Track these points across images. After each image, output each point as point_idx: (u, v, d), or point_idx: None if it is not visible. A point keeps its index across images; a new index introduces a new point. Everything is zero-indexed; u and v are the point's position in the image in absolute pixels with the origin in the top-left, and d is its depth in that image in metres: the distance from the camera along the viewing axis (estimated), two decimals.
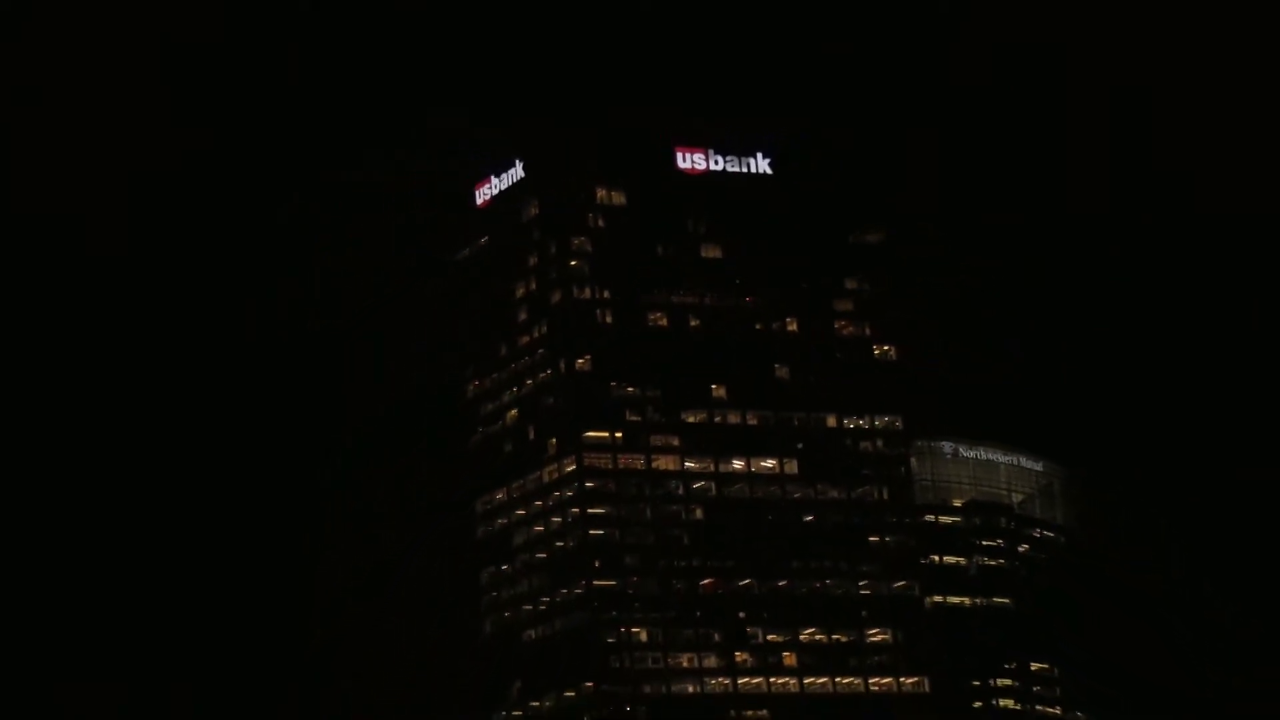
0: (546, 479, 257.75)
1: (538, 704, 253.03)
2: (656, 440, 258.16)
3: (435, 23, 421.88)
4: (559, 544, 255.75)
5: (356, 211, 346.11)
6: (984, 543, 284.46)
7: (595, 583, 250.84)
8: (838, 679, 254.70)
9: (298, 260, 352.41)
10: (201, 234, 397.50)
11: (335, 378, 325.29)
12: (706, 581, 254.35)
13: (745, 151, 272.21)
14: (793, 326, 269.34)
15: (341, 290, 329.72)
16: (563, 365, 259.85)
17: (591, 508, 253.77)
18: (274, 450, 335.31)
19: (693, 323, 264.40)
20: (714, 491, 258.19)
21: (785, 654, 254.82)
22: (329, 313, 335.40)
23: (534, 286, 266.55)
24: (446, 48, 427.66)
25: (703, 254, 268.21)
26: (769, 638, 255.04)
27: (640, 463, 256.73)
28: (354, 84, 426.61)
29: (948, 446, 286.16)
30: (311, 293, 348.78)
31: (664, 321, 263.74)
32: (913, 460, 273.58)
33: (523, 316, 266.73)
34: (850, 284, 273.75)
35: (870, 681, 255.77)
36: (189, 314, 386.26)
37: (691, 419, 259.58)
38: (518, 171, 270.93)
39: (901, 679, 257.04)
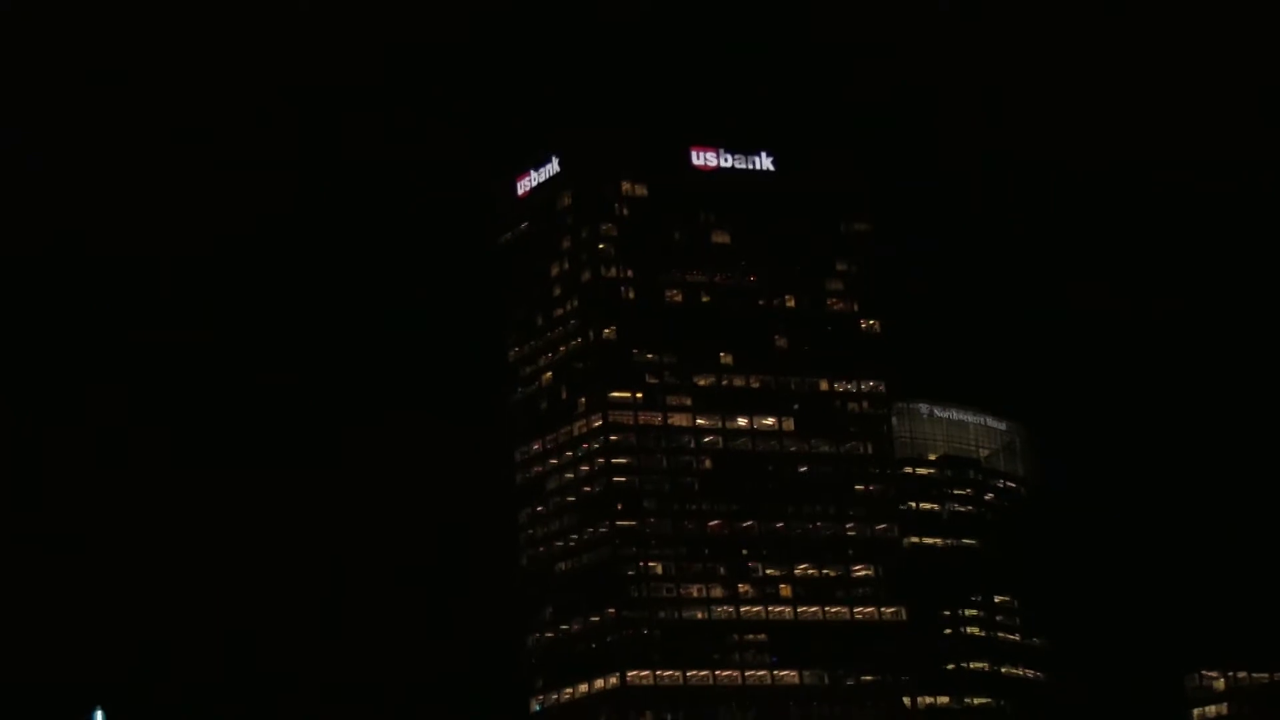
0: (576, 432, 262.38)
1: (567, 627, 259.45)
2: (672, 400, 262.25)
3: (482, 26, 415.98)
4: (586, 489, 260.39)
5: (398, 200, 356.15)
6: (955, 491, 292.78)
7: (618, 523, 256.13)
8: (827, 608, 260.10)
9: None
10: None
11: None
12: (714, 523, 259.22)
13: (751, 150, 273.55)
14: (790, 302, 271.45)
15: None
16: (591, 334, 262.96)
17: (615, 458, 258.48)
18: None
19: (704, 299, 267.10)
20: (721, 445, 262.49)
21: (782, 586, 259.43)
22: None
23: (567, 266, 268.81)
24: (485, 50, 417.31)
25: (713, 239, 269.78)
26: (767, 572, 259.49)
27: (658, 419, 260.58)
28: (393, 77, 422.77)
29: (924, 407, 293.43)
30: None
31: (679, 297, 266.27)
32: (893, 419, 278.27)
33: (557, 292, 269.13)
34: (840, 266, 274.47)
35: (855, 611, 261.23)
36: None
37: (702, 382, 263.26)
38: (554, 167, 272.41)
39: (882, 609, 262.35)
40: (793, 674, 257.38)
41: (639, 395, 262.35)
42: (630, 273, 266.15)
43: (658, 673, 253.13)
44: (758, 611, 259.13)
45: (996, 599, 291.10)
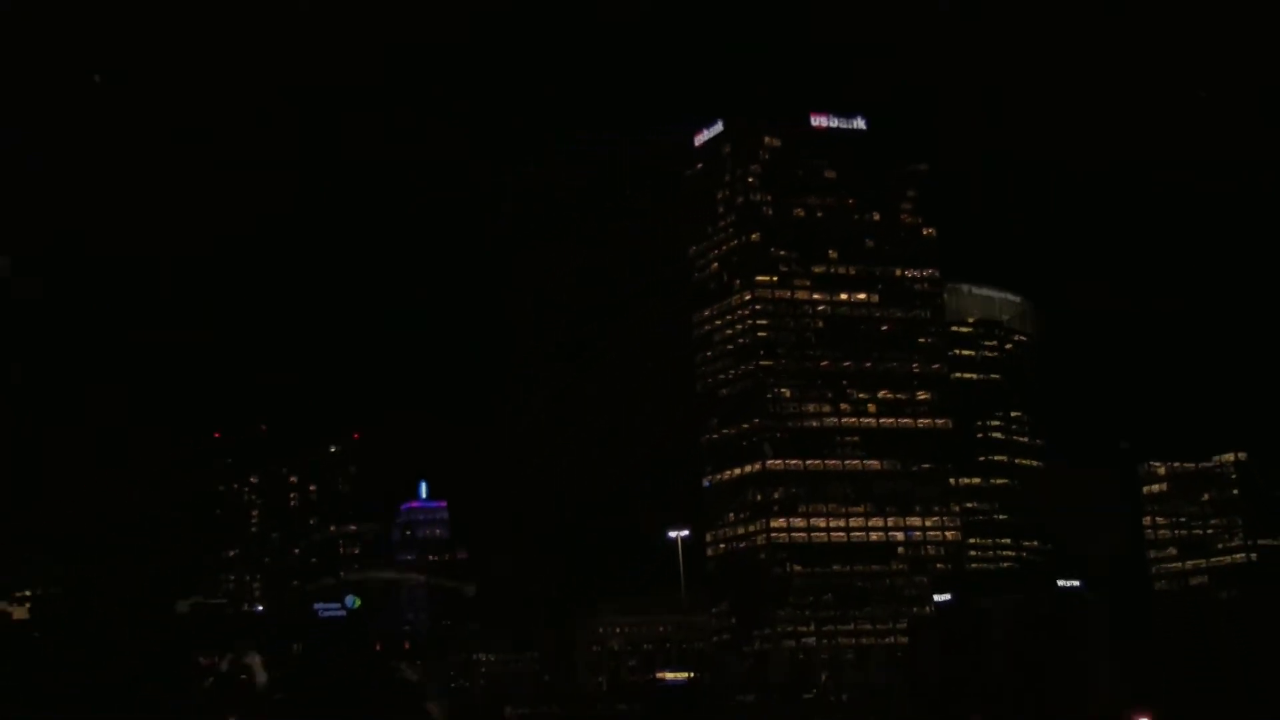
0: (734, 303, 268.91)
1: (727, 431, 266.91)
2: (797, 282, 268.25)
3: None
4: (740, 340, 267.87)
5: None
6: (985, 343, 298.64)
7: (760, 363, 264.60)
8: (899, 419, 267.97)
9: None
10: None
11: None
12: (824, 363, 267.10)
13: (851, 115, 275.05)
14: (875, 217, 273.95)
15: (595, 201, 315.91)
16: (743, 238, 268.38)
17: (758, 320, 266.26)
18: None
19: (818, 215, 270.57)
20: (830, 312, 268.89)
21: (869, 405, 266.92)
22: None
23: (727, 193, 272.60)
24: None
25: (824, 175, 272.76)
26: (859, 395, 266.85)
27: (787, 294, 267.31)
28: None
29: (965, 286, 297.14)
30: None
31: (801, 214, 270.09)
32: (944, 295, 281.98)
33: (720, 210, 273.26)
34: (909, 193, 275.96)
35: (918, 421, 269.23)
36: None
37: (817, 270, 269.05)
38: (718, 127, 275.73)
39: (936, 420, 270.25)
40: (876, 463, 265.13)
41: (775, 279, 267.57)
42: (769, 197, 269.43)
43: (787, 461, 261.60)
44: (853, 422, 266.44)
45: (1012, 414, 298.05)
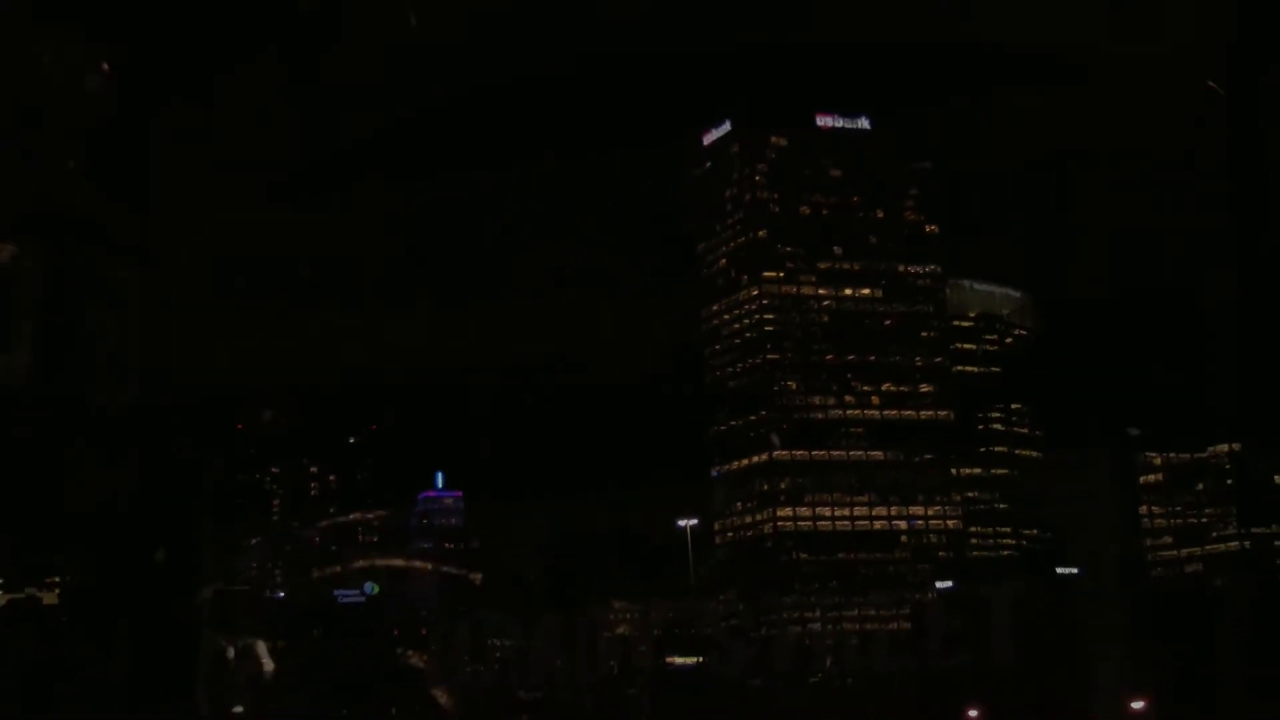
0: (741, 299, 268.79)
1: (734, 422, 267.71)
2: (803, 278, 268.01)
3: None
4: (747, 334, 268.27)
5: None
6: (985, 337, 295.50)
7: (767, 357, 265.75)
8: (902, 411, 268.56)
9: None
10: None
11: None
12: (829, 356, 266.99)
13: (855, 115, 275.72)
14: (879, 214, 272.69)
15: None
16: (750, 235, 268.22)
17: (765, 315, 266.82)
18: None
19: (824, 212, 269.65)
20: (835, 306, 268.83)
21: (873, 397, 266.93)
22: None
23: (735, 191, 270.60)
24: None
25: (830, 174, 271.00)
26: (864, 388, 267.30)
27: (794, 290, 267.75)
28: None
29: (966, 282, 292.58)
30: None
31: (807, 211, 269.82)
32: (946, 290, 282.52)
33: (729, 208, 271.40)
34: (912, 191, 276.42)
35: (920, 413, 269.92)
36: None
37: (823, 266, 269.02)
38: (726, 126, 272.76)
39: (938, 412, 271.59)
40: (879, 453, 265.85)
41: (781, 274, 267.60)
42: (776, 195, 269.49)
43: (793, 452, 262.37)
44: (857, 413, 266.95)
45: (1012, 406, 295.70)
